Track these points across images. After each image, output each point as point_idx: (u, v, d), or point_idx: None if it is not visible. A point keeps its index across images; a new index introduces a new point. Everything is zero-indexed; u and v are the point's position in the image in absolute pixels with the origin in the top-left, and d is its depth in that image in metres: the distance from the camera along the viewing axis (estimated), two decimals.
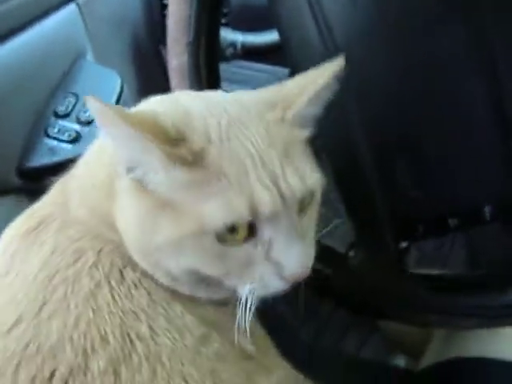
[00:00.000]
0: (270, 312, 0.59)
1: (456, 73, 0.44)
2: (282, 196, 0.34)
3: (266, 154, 0.34)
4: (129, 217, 0.36)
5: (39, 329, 0.34)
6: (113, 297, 0.35)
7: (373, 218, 0.50)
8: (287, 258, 0.35)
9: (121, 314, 0.35)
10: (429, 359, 0.60)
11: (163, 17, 0.93)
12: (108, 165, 0.37)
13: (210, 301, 0.39)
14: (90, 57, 0.81)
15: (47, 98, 0.70)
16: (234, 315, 0.37)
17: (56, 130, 0.70)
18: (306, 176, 0.36)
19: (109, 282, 0.36)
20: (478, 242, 0.71)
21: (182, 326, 0.36)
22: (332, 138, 0.49)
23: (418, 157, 0.47)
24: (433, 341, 0.63)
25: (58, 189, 0.42)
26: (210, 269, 0.35)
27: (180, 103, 0.37)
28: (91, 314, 0.34)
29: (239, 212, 0.33)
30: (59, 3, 0.74)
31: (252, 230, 0.34)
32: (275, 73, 0.78)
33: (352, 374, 0.63)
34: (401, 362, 0.78)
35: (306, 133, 0.38)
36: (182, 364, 0.34)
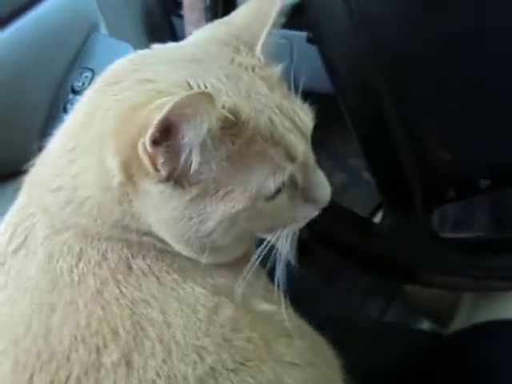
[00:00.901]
0: (290, 276, 0.60)
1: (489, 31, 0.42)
2: (303, 136, 0.35)
3: (274, 100, 0.34)
4: (167, 215, 0.34)
5: (50, 337, 0.33)
6: (120, 290, 0.35)
7: (400, 182, 0.49)
8: (321, 192, 0.38)
9: (130, 305, 0.34)
10: (459, 323, 0.60)
11: None
12: (104, 170, 0.34)
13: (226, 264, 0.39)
14: (103, 30, 0.80)
15: (64, 73, 0.70)
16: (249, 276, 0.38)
17: (74, 106, 0.70)
18: (308, 110, 0.37)
19: (115, 278, 0.35)
20: (503, 203, 0.70)
21: (193, 301, 0.36)
22: (356, 100, 0.48)
23: (446, 116, 0.45)
24: (462, 304, 0.63)
25: (32, 196, 0.39)
26: (260, 227, 0.37)
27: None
28: (101, 311, 0.34)
29: (284, 168, 0.34)
30: None
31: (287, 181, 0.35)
32: (292, 37, 0.76)
33: (376, 338, 0.63)
34: (426, 326, 0.78)
35: (279, 69, 0.38)
36: (197, 338, 0.34)
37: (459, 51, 0.43)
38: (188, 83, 0.33)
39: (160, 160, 0.31)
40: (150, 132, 0.29)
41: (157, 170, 0.31)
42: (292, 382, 0.37)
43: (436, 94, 0.45)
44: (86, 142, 0.35)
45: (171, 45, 0.39)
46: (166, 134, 0.30)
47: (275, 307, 0.40)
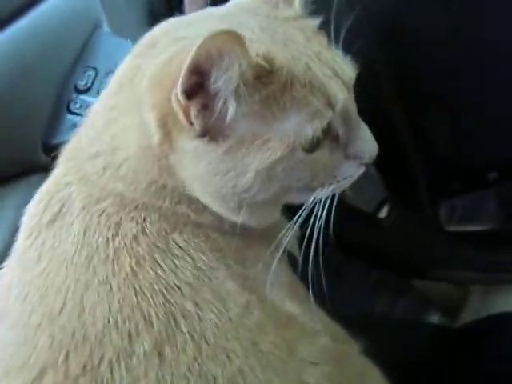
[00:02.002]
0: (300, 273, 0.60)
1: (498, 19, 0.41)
2: (345, 85, 0.35)
3: (312, 48, 0.34)
4: (205, 171, 0.34)
5: (84, 316, 0.33)
6: (156, 273, 0.34)
7: (406, 176, 0.49)
8: (363, 146, 0.37)
9: (164, 291, 0.34)
10: (469, 315, 0.60)
11: None
12: (144, 129, 0.34)
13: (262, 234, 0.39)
14: (105, 28, 0.79)
15: (67, 72, 0.70)
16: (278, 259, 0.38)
17: (78, 105, 0.69)
18: (350, 62, 0.37)
19: (152, 257, 0.34)
20: (509, 195, 0.69)
21: (225, 295, 0.36)
22: (360, 91, 0.47)
23: (453, 108, 0.45)
24: (471, 297, 0.63)
25: (69, 166, 0.39)
26: (299, 181, 0.36)
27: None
28: (134, 297, 0.34)
29: (322, 113, 0.33)
30: None
31: (326, 132, 0.34)
32: None
33: (386, 332, 0.63)
34: (435, 319, 0.78)
35: (317, 22, 0.38)
36: (227, 340, 0.34)
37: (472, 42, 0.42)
38: None
39: (194, 111, 0.31)
40: (181, 80, 0.29)
41: (191, 123, 0.31)
42: (314, 382, 0.37)
43: (445, 87, 0.45)
44: (125, 101, 0.35)
45: (208, 8, 0.39)
46: (197, 82, 0.30)
47: (300, 309, 0.40)
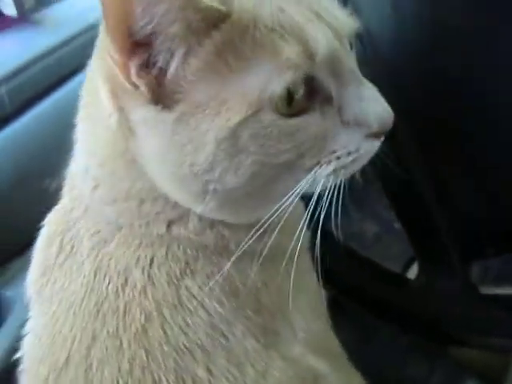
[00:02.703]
0: None
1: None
2: (335, 32, 0.27)
3: None
4: (158, 147, 0.28)
5: (91, 374, 0.31)
6: (165, 332, 0.31)
7: (435, 240, 0.47)
8: (367, 109, 0.28)
9: (175, 354, 0.31)
10: None
11: None
12: (104, 124, 0.31)
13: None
14: None
15: None
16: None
17: None
18: (347, 13, 0.30)
19: (161, 313, 0.31)
20: None
21: (242, 357, 0.32)
22: (380, 156, 0.48)
23: (481, 173, 0.44)
24: None
25: (74, 197, 0.36)
26: (279, 156, 0.27)
27: None
28: (145, 357, 0.31)
29: (297, 63, 0.25)
30: None
31: (312, 91, 0.27)
32: None
33: None
34: None
35: None
36: None
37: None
38: None
39: (134, 69, 0.25)
40: (112, 34, 0.24)
41: (134, 85, 0.26)
42: None
43: (470, 147, 0.44)
44: (89, 93, 0.33)
45: None
46: (129, 33, 0.24)
47: (329, 367, 0.36)
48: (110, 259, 0.33)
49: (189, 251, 0.33)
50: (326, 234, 0.52)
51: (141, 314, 0.31)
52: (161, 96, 0.27)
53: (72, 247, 0.34)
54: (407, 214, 0.50)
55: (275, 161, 0.28)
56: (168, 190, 0.31)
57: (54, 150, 0.67)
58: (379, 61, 0.45)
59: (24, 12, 0.66)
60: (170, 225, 0.33)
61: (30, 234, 0.62)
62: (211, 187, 0.29)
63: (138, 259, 0.32)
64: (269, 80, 0.25)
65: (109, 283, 0.32)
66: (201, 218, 0.32)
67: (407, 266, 0.87)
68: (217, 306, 0.32)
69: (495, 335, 0.47)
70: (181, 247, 0.33)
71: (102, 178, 0.33)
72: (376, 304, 0.53)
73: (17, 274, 0.58)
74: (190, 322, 0.32)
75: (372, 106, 0.28)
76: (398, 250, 0.93)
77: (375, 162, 0.39)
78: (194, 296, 0.32)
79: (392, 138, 0.45)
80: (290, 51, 0.25)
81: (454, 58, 0.42)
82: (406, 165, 0.46)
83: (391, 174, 0.48)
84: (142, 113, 0.27)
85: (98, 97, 0.29)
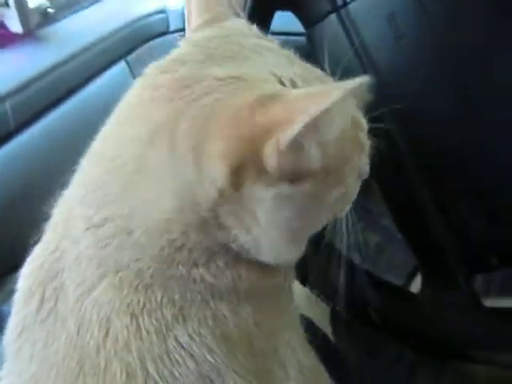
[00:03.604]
0: (330, 350, 0.56)
1: None
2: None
3: None
4: (286, 216, 0.30)
5: None
6: None
7: (438, 253, 0.47)
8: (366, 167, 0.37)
9: None
10: None
11: None
12: (183, 187, 0.29)
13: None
14: None
15: None
16: None
17: None
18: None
19: (144, 368, 0.28)
20: None
21: None
22: (383, 172, 0.47)
23: (480, 192, 0.44)
24: None
25: (60, 240, 0.33)
26: (338, 210, 0.36)
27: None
28: None
29: (365, 146, 0.35)
30: (110, 62, 0.79)
31: None
32: None
33: None
34: None
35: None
36: None
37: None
38: (275, 75, 0.30)
39: (287, 159, 0.27)
40: (294, 132, 0.25)
41: (278, 170, 0.27)
42: None
43: (466, 166, 0.44)
44: (158, 160, 0.29)
45: (207, 36, 0.35)
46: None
47: None
48: (93, 308, 0.29)
49: (188, 295, 0.30)
50: (328, 247, 0.52)
51: (121, 371, 0.28)
52: (295, 174, 0.28)
53: (55, 301, 0.31)
54: (409, 227, 0.49)
55: (343, 212, 0.38)
56: (269, 253, 0.32)
57: (56, 166, 0.68)
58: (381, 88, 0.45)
59: (29, 29, 0.68)
60: (192, 267, 0.30)
61: (30, 249, 0.63)
62: (305, 238, 0.34)
63: (129, 304, 0.29)
64: (359, 158, 0.35)
65: (90, 338, 0.29)
66: (227, 260, 0.31)
67: (411, 277, 0.86)
68: (207, 354, 0.29)
69: (502, 350, 0.46)
70: (181, 290, 0.30)
71: (130, 233, 0.30)
72: (380, 319, 0.53)
73: (14, 288, 0.58)
74: (176, 374, 0.29)
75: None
76: (401, 260, 0.92)
77: (377, 174, 0.39)
78: (182, 346, 0.29)
79: (391, 154, 0.46)
80: (363, 138, 0.35)
81: (453, 88, 0.42)
82: (407, 178, 0.46)
83: (393, 187, 0.48)
84: (274, 189, 0.28)
85: (177, 164, 0.29)
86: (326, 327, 0.72)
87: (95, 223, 0.31)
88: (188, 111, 0.28)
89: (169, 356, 0.28)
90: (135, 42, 0.87)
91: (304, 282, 0.53)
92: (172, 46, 1.10)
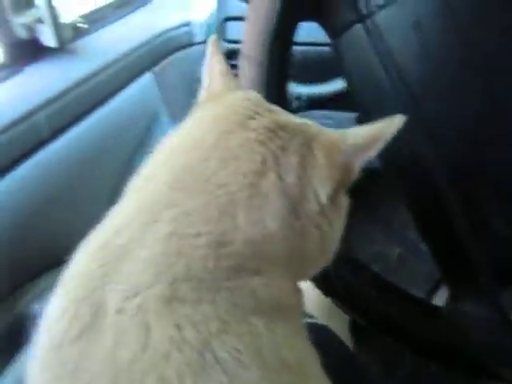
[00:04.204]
0: (348, 358, 0.56)
1: None
2: None
3: None
4: (341, 224, 0.38)
5: None
6: None
7: (466, 265, 0.46)
8: None
9: None
10: None
11: None
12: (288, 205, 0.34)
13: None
14: (164, 118, 0.87)
15: (128, 160, 0.76)
16: None
17: None
18: None
19: (182, 383, 0.27)
20: None
21: None
22: (409, 179, 0.47)
23: (507, 194, 0.43)
24: None
25: (109, 257, 0.31)
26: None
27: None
28: None
29: None
30: (137, 73, 0.82)
31: None
32: (339, 118, 0.78)
33: None
34: None
35: None
36: None
37: None
38: None
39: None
40: (372, 152, 0.35)
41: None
42: None
43: (491, 168, 0.44)
44: (269, 187, 0.33)
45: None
46: None
47: None
48: (134, 317, 0.28)
49: (234, 309, 0.30)
50: (347, 257, 0.52)
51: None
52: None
53: (93, 316, 0.29)
54: (435, 237, 0.48)
55: None
56: (319, 261, 0.38)
57: (86, 172, 0.70)
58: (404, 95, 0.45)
59: (63, 43, 0.70)
60: (247, 278, 0.31)
61: (61, 249, 0.65)
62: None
63: (175, 316, 0.28)
64: None
65: (127, 350, 0.28)
66: (282, 272, 0.34)
67: (433, 290, 0.85)
68: (241, 370, 0.29)
69: None
70: (228, 304, 0.30)
71: (224, 245, 0.31)
72: (402, 331, 0.52)
73: (46, 288, 0.60)
74: None
75: None
76: (424, 273, 0.91)
77: (402, 181, 0.40)
78: (219, 361, 0.28)
79: (419, 161, 0.46)
80: None
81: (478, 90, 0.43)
82: (434, 183, 0.45)
83: (419, 193, 0.48)
84: (347, 199, 0.38)
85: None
86: (346, 337, 0.72)
87: (161, 235, 0.30)
88: (289, 146, 0.35)
89: (205, 370, 0.28)
90: (161, 54, 0.90)
91: (327, 292, 0.53)
92: (196, 57, 1.12)
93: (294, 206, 0.34)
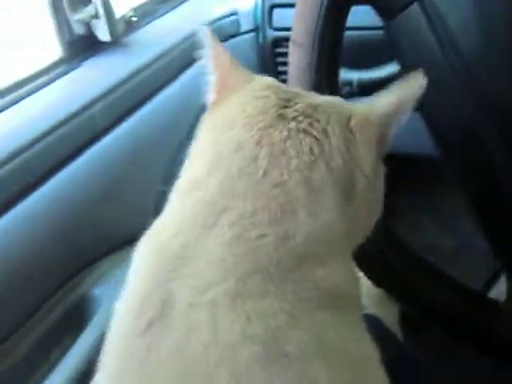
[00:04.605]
0: (403, 357, 0.55)
1: None
2: None
3: None
4: (378, 198, 0.39)
5: None
6: None
7: None
8: None
9: None
10: None
11: (275, 64, 0.98)
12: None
13: None
14: None
15: (177, 151, 0.78)
16: None
17: None
18: None
19: (252, 376, 0.27)
20: None
21: None
22: (466, 160, 0.46)
23: None
24: None
25: (167, 252, 0.32)
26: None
27: None
28: None
29: None
30: (185, 65, 0.83)
31: None
32: None
33: None
34: None
35: None
36: None
37: None
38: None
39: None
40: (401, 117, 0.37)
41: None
42: None
43: None
44: (321, 180, 0.34)
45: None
46: None
47: None
48: (206, 311, 0.29)
49: (300, 303, 0.30)
50: (399, 247, 0.51)
51: (229, 378, 0.27)
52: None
53: (162, 308, 0.30)
54: (495, 226, 0.46)
55: None
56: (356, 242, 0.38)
57: (139, 164, 0.73)
58: (465, 73, 0.43)
59: (116, 37, 0.73)
60: (314, 269, 0.32)
61: (117, 235, 0.68)
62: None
63: (245, 310, 0.29)
64: None
65: (198, 344, 0.28)
66: (344, 259, 0.36)
67: (489, 284, 0.81)
68: (308, 363, 0.29)
69: None
70: (295, 297, 0.30)
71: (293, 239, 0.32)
72: (457, 324, 0.51)
73: (105, 273, 0.63)
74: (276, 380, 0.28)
75: None
76: (478, 267, 0.88)
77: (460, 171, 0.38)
78: (286, 354, 0.28)
79: (478, 147, 0.44)
80: None
81: None
82: (496, 170, 0.44)
83: (479, 179, 0.46)
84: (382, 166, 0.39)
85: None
86: (396, 328, 0.71)
87: (226, 240, 0.31)
88: (328, 128, 0.35)
89: (273, 364, 0.28)
90: None
91: (378, 283, 0.52)
92: (242, 46, 1.12)
93: (347, 193, 0.34)
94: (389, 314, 0.67)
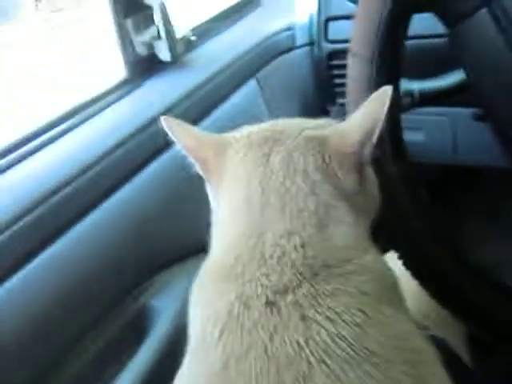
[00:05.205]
0: (465, 373, 0.52)
1: None
2: None
3: None
4: (375, 186, 0.42)
5: None
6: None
7: None
8: None
9: None
10: None
11: (331, 77, 0.97)
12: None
13: None
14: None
15: None
16: None
17: None
18: None
19: (346, 375, 0.28)
20: None
21: None
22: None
23: None
24: None
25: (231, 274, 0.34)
26: None
27: None
28: None
29: None
30: (242, 80, 0.85)
31: None
32: (455, 115, 0.73)
33: None
34: None
35: None
36: None
37: None
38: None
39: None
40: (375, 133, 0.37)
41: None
42: None
43: None
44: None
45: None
46: None
47: None
48: (292, 310, 0.30)
49: (361, 297, 0.32)
50: (465, 265, 0.48)
51: (326, 378, 0.28)
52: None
53: (233, 314, 0.31)
54: None
55: None
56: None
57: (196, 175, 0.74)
58: None
59: (176, 56, 0.76)
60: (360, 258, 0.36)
61: (178, 247, 0.69)
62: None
63: (329, 308, 0.30)
64: None
65: (289, 344, 0.29)
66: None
67: None
68: (386, 365, 0.29)
69: None
70: (357, 290, 0.32)
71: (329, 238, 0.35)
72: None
73: (163, 286, 0.64)
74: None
75: None
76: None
77: None
78: (370, 352, 0.29)
79: None
80: None
81: None
82: None
83: None
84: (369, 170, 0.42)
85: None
86: (462, 352, 0.67)
87: (278, 254, 0.33)
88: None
89: (361, 364, 0.28)
90: (264, 60, 0.92)
91: (444, 303, 0.50)
92: (297, 61, 1.13)
93: (349, 202, 0.37)
94: (455, 337, 0.63)
